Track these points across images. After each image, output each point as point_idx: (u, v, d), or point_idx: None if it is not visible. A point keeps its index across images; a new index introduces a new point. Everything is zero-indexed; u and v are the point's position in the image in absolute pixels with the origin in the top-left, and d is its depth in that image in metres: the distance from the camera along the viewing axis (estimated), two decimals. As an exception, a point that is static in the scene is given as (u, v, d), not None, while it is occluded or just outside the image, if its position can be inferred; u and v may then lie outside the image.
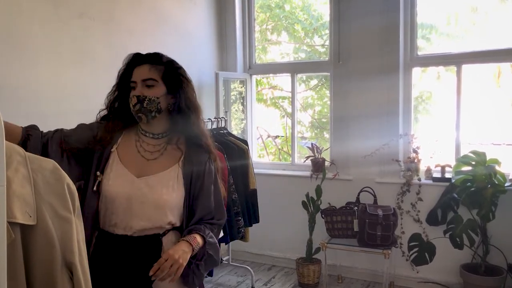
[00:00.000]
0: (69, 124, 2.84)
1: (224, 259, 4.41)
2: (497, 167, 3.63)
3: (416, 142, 4.12)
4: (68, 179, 1.34)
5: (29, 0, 2.76)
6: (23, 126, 1.75)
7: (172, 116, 1.78)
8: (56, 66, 2.94)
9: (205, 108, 4.41)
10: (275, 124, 6.04)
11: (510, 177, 3.78)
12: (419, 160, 4.07)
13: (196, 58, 4.38)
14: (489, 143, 4.02)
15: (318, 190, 4.12)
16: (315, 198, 4.12)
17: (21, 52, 2.71)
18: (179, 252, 1.60)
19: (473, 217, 3.67)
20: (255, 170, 4.06)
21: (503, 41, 3.99)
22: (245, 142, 4.00)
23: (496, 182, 3.57)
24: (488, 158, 3.65)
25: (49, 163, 1.33)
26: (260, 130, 5.53)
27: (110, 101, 1.87)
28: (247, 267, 4.35)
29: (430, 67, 4.42)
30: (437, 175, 4.03)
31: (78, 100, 3.08)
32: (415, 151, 4.08)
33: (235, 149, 3.80)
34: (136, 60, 1.80)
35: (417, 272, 4.06)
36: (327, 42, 4.71)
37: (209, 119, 3.96)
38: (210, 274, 3.41)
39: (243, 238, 3.78)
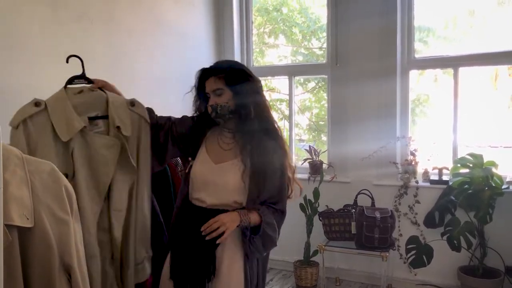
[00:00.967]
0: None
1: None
2: (494, 170, 3.63)
3: (413, 145, 4.13)
4: (65, 181, 1.33)
5: (28, 2, 2.76)
6: None
7: (242, 113, 2.02)
8: (54, 68, 2.93)
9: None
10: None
11: (507, 180, 3.79)
12: (416, 163, 4.08)
13: (194, 60, 4.38)
14: (486, 145, 4.03)
15: (316, 193, 4.12)
16: (313, 201, 4.12)
17: (20, 53, 2.71)
18: (227, 219, 1.89)
19: (471, 219, 3.68)
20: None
21: (500, 44, 4.00)
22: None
23: (493, 185, 3.58)
24: (485, 160, 3.66)
25: (47, 165, 1.33)
26: (257, 132, 5.50)
27: (195, 108, 2.23)
28: (244, 269, 4.33)
29: (428, 70, 4.43)
30: (434, 177, 4.04)
31: (75, 102, 3.08)
32: (412, 154, 4.09)
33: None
34: (204, 74, 2.12)
35: (415, 275, 4.06)
36: (325, 45, 4.71)
37: (206, 121, 3.96)
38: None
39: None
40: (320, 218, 4.01)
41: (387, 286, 4.01)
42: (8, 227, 1.20)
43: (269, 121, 2.09)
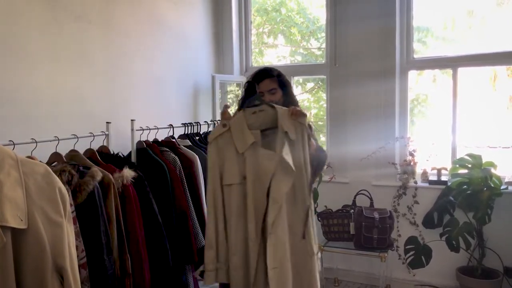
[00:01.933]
0: (67, 127, 2.85)
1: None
2: (493, 170, 3.63)
3: (412, 145, 4.13)
4: (59, 183, 1.33)
5: (26, 3, 2.76)
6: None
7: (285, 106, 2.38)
8: (52, 69, 2.93)
9: (201, 110, 4.42)
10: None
11: (506, 180, 3.79)
12: (415, 163, 4.07)
13: (193, 61, 4.39)
14: (485, 146, 4.02)
15: (315, 193, 4.11)
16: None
17: (18, 55, 2.71)
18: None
19: (469, 220, 3.67)
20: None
21: (499, 45, 4.00)
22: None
23: (492, 185, 3.58)
24: (484, 161, 3.66)
25: (41, 167, 1.33)
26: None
27: (245, 105, 2.37)
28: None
29: (426, 70, 4.43)
30: (433, 178, 4.04)
31: (75, 103, 3.08)
32: (411, 154, 4.09)
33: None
34: (259, 77, 2.52)
35: (414, 275, 4.06)
36: (324, 45, 4.72)
37: (205, 121, 3.96)
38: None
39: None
40: (319, 218, 4.00)
41: (385, 287, 4.01)
42: (2, 228, 1.20)
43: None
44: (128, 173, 2.48)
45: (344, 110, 4.31)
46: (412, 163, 4.06)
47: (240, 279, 2.22)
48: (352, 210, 3.92)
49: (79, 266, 1.86)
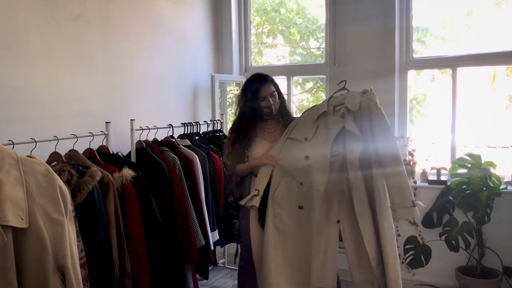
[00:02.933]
0: (65, 126, 2.85)
1: (219, 262, 4.40)
2: (492, 170, 3.63)
3: (411, 145, 4.13)
4: (60, 182, 1.33)
5: (25, 3, 2.75)
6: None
7: (283, 108, 2.88)
8: (52, 69, 2.93)
9: (201, 110, 4.42)
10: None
11: (505, 180, 3.79)
12: (414, 163, 4.07)
13: (192, 61, 4.38)
14: (484, 145, 4.02)
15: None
16: (311, 201, 4.12)
17: (17, 54, 2.71)
18: None
19: (469, 219, 3.68)
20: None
21: (498, 44, 4.00)
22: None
23: (491, 185, 3.58)
24: (483, 160, 3.66)
25: (42, 166, 1.33)
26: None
27: (248, 107, 2.79)
28: (243, 270, 4.33)
29: (425, 70, 4.43)
30: (432, 177, 4.04)
31: (74, 102, 3.08)
32: (410, 154, 4.09)
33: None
34: (261, 83, 2.79)
35: (413, 275, 4.06)
36: (323, 45, 4.72)
37: (205, 121, 3.96)
38: (206, 277, 3.39)
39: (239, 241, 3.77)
40: (318, 218, 4.00)
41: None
42: (3, 227, 1.20)
43: (290, 111, 2.97)
44: (127, 173, 2.48)
45: (343, 110, 4.30)
46: (411, 163, 4.06)
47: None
48: (352, 210, 3.92)
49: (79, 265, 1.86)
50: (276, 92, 2.82)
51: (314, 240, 2.55)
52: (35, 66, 2.82)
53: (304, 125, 2.69)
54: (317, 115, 2.66)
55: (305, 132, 2.64)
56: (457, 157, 3.93)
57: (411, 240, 3.95)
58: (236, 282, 4.28)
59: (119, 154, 2.85)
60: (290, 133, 2.68)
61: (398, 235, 4.06)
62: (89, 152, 2.64)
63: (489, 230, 3.69)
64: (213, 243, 3.28)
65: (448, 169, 3.92)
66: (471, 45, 4.32)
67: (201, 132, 3.83)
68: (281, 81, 5.09)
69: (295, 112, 5.20)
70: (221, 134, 4.00)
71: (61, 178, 2.01)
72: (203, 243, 3.07)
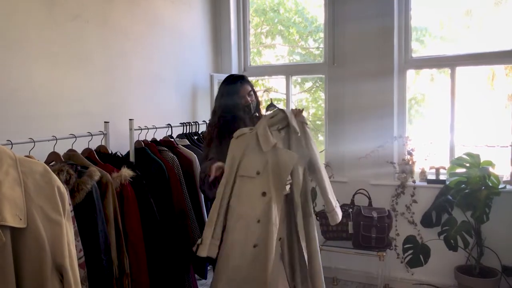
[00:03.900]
0: (64, 126, 2.84)
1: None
2: (491, 169, 3.64)
3: (410, 144, 4.13)
4: (58, 182, 1.33)
5: (23, 2, 2.75)
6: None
7: (257, 107, 2.99)
8: (50, 68, 2.93)
9: (200, 110, 4.42)
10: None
11: (504, 179, 3.80)
12: (413, 162, 4.08)
13: (191, 61, 4.38)
14: (483, 145, 4.02)
15: (313, 193, 4.11)
16: (310, 201, 4.12)
17: (16, 54, 2.70)
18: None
19: (468, 219, 3.68)
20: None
21: (497, 44, 4.00)
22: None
23: (490, 184, 3.58)
24: (482, 160, 3.67)
25: (40, 166, 1.33)
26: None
27: (227, 108, 2.87)
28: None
29: (424, 69, 4.43)
30: (431, 177, 4.04)
31: (73, 102, 3.07)
32: (409, 153, 4.09)
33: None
34: (239, 83, 2.92)
35: (412, 274, 4.06)
36: (322, 45, 4.72)
37: (203, 121, 3.96)
38: (204, 276, 3.39)
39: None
40: (317, 218, 4.00)
41: (384, 286, 4.01)
42: (1, 227, 1.19)
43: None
44: (126, 173, 2.47)
45: (342, 109, 4.31)
46: (410, 162, 4.06)
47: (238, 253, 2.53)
48: (351, 210, 3.93)
49: (78, 265, 1.86)
50: (252, 92, 2.94)
51: (269, 276, 2.51)
52: (33, 66, 2.81)
53: (251, 158, 2.56)
54: (268, 147, 2.55)
55: (254, 165, 2.54)
56: (456, 156, 3.93)
57: (410, 239, 3.95)
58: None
59: (118, 154, 2.85)
60: (239, 171, 2.55)
61: (397, 235, 4.07)
62: (87, 152, 2.64)
63: (488, 229, 3.69)
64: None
65: (447, 168, 3.92)
66: (470, 44, 4.32)
67: (200, 132, 3.83)
68: (280, 80, 5.10)
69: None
70: (220, 133, 3.98)
71: (59, 178, 2.01)
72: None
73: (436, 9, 4.33)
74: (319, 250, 2.75)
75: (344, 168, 4.32)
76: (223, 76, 4.66)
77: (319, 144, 5.03)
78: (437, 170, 4.01)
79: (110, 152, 2.82)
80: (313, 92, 5.59)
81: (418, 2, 4.15)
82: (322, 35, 4.69)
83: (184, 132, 3.66)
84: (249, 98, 2.90)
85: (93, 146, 2.74)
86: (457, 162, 3.78)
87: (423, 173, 4.09)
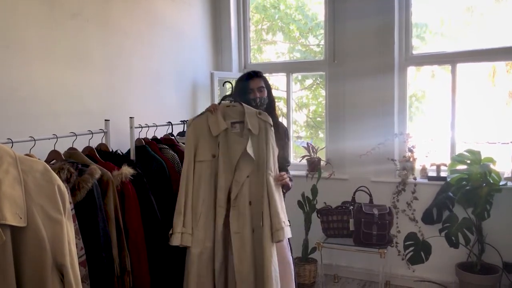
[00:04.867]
0: (64, 125, 2.84)
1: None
2: (492, 166, 3.63)
3: (411, 141, 4.13)
4: (59, 181, 1.33)
5: (23, 1, 2.74)
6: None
7: (271, 105, 3.04)
8: (50, 67, 2.92)
9: (200, 108, 4.41)
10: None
11: (505, 176, 3.79)
12: (414, 159, 4.07)
13: (191, 58, 4.38)
14: (484, 141, 4.02)
15: (314, 190, 4.12)
16: (311, 198, 4.12)
17: (15, 53, 2.70)
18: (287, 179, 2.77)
19: (469, 215, 3.68)
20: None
21: (498, 40, 3.99)
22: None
23: (491, 181, 3.58)
24: (483, 156, 3.66)
25: (40, 165, 1.33)
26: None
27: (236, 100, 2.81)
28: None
29: (425, 66, 4.42)
30: (432, 174, 4.04)
31: (72, 101, 3.07)
32: (410, 150, 4.09)
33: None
34: (250, 76, 2.99)
35: (413, 271, 4.07)
36: (322, 42, 4.71)
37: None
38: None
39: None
40: (318, 215, 4.01)
41: (385, 283, 4.01)
42: (1, 226, 1.19)
43: (276, 111, 3.10)
44: (126, 171, 2.47)
45: (343, 106, 4.30)
46: (411, 159, 4.06)
47: (201, 242, 2.59)
48: (352, 207, 3.93)
49: (79, 264, 1.86)
50: (265, 88, 2.96)
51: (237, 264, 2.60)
52: (33, 65, 2.81)
53: (205, 143, 2.68)
54: (218, 131, 2.66)
55: (209, 149, 2.65)
56: (456, 153, 3.92)
57: (411, 236, 3.95)
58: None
59: (118, 152, 2.84)
60: (196, 156, 2.65)
61: (398, 232, 4.07)
62: (88, 150, 2.64)
63: (489, 226, 3.69)
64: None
65: (447, 165, 3.92)
66: (470, 41, 4.31)
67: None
68: (280, 78, 5.09)
69: (294, 109, 5.20)
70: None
71: (60, 176, 2.01)
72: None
73: (437, 6, 4.32)
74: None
75: (345, 165, 4.31)
76: (223, 74, 4.68)
77: (320, 141, 5.02)
78: (438, 167, 4.01)
79: (110, 150, 2.82)
80: (314, 89, 5.58)
81: (418, -1, 4.14)
82: (322, 32, 4.68)
83: (185, 130, 3.65)
84: (258, 93, 2.93)
85: (94, 144, 2.74)
86: (458, 159, 3.77)
87: (424, 170, 4.09)
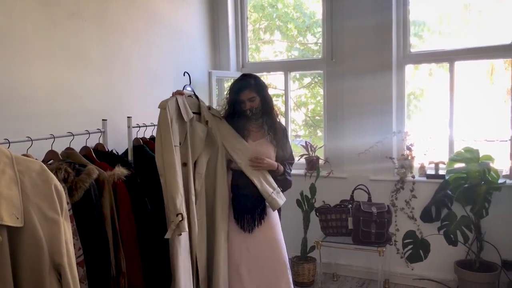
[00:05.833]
0: (62, 125, 2.83)
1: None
2: (490, 164, 3.64)
3: (409, 139, 4.13)
4: (55, 180, 1.32)
5: (20, 0, 2.73)
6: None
7: (266, 109, 3.02)
8: (48, 66, 2.91)
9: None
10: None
11: (503, 174, 3.80)
12: (412, 157, 4.07)
13: (189, 57, 4.36)
14: (482, 139, 4.02)
15: (313, 188, 4.12)
16: (310, 197, 4.12)
17: (13, 52, 2.69)
18: (268, 161, 2.96)
19: (467, 213, 3.68)
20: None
21: (496, 38, 3.99)
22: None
23: (490, 179, 3.58)
24: (481, 154, 3.67)
25: (36, 164, 1.32)
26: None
27: (231, 109, 3.00)
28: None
29: (423, 64, 4.42)
30: (431, 172, 4.04)
31: (71, 100, 3.06)
32: (408, 148, 4.09)
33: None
34: (240, 88, 2.98)
35: (412, 269, 4.07)
36: (320, 40, 4.70)
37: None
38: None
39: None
40: (317, 213, 4.00)
41: (384, 281, 4.02)
42: (-2, 226, 1.19)
43: (274, 112, 3.08)
44: (119, 171, 2.43)
45: (341, 105, 4.30)
46: (409, 158, 4.06)
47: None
48: (350, 205, 3.93)
49: (77, 264, 1.85)
50: (256, 97, 2.96)
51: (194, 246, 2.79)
52: (30, 64, 2.80)
53: (175, 129, 2.74)
54: (188, 117, 2.79)
55: (178, 135, 2.74)
56: (455, 151, 3.93)
57: (409, 234, 3.96)
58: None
59: (114, 151, 2.83)
60: (174, 141, 2.70)
61: (397, 230, 4.07)
62: (85, 150, 2.63)
63: (488, 224, 3.69)
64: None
65: (446, 163, 3.92)
66: (469, 39, 4.31)
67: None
68: (278, 76, 5.08)
69: (292, 108, 5.19)
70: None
71: (57, 176, 2.00)
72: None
73: (434, 4, 4.32)
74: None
75: (344, 164, 4.31)
76: (221, 73, 4.67)
77: (318, 140, 5.02)
78: (437, 165, 4.01)
79: (107, 150, 2.81)
80: (312, 88, 5.57)
81: (416, -3, 4.13)
82: (320, 30, 4.68)
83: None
84: (249, 103, 2.95)
85: (92, 144, 2.73)
86: (456, 157, 3.78)
87: (422, 168, 4.09)
